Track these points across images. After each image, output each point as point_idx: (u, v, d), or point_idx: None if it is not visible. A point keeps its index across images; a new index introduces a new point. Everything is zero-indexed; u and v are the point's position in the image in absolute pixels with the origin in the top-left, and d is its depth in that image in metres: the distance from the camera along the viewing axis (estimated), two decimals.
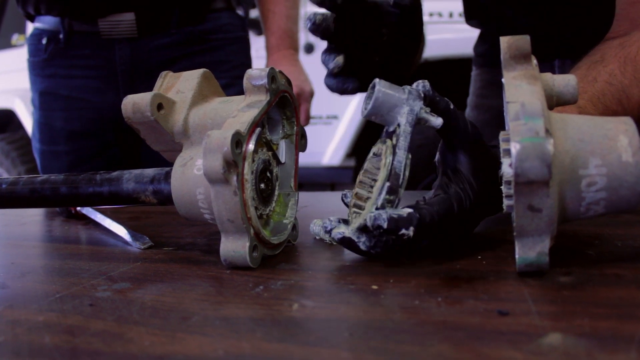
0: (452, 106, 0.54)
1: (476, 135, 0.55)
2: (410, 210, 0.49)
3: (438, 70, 2.64)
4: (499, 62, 1.19)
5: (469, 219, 0.54)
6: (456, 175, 0.54)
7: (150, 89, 0.60)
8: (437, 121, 0.52)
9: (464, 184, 0.53)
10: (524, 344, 0.34)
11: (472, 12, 1.09)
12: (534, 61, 0.50)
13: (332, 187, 3.03)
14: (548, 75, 0.51)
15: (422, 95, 0.52)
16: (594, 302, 0.40)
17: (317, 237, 0.61)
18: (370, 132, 2.81)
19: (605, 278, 0.45)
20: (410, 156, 0.52)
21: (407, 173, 0.51)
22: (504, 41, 0.50)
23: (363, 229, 0.51)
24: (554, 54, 0.94)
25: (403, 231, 0.49)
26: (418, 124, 0.52)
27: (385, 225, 0.49)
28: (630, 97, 0.64)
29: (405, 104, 0.51)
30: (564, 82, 0.50)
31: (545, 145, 0.42)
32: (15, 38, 3.72)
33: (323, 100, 1.88)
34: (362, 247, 0.51)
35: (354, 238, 0.51)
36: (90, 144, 1.21)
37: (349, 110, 2.84)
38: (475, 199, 0.53)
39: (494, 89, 1.09)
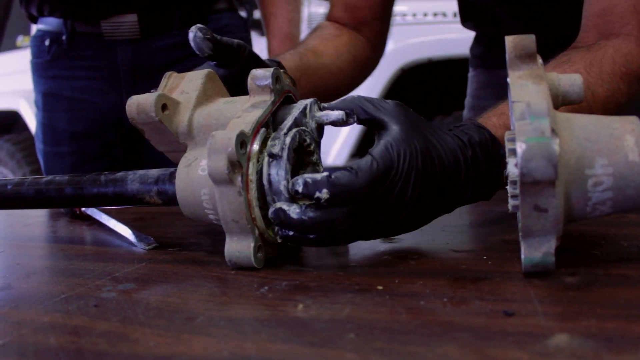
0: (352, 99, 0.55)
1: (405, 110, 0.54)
2: (326, 173, 0.49)
3: (443, 70, 2.64)
4: (494, 63, 1.20)
5: (408, 179, 0.50)
6: (387, 139, 0.52)
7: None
8: (335, 113, 0.55)
9: (392, 143, 0.51)
10: (530, 345, 0.34)
11: (467, 14, 1.09)
12: (540, 60, 0.50)
13: None
14: (554, 75, 0.50)
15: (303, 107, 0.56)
16: (601, 302, 0.40)
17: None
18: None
19: (611, 278, 0.44)
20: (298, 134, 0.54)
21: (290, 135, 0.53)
22: (509, 40, 0.50)
23: (292, 199, 0.51)
24: (549, 56, 0.95)
25: (317, 194, 0.49)
26: (321, 125, 0.57)
27: (301, 190, 0.49)
28: (595, 95, 0.65)
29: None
30: (570, 81, 0.50)
31: (551, 145, 0.42)
32: (20, 39, 3.73)
33: None
34: (294, 215, 0.50)
35: (285, 207, 0.51)
36: (93, 145, 1.21)
37: None
38: (410, 155, 0.50)
39: (490, 90, 1.09)
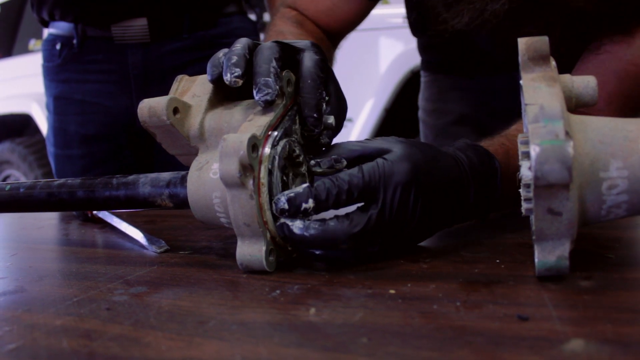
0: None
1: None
2: (306, 184, 0.51)
3: None
4: (455, 69, 1.15)
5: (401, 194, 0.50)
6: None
7: (163, 93, 0.60)
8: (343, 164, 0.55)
9: (387, 158, 0.51)
10: (545, 350, 0.34)
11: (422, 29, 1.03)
12: (553, 63, 0.50)
13: None
14: (567, 77, 0.50)
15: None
16: (616, 307, 0.39)
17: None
18: (383, 135, 2.80)
19: (626, 282, 0.44)
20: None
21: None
22: (522, 43, 0.50)
23: (294, 214, 0.51)
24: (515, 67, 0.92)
25: (303, 206, 0.50)
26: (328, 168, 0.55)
27: (286, 207, 0.50)
28: None
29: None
30: (584, 83, 0.50)
31: (565, 147, 0.41)
32: (33, 43, 3.76)
33: None
34: (296, 230, 0.50)
35: (288, 222, 0.51)
36: (103, 148, 1.22)
37: (364, 114, 2.84)
38: (407, 170, 0.50)
39: (454, 94, 1.08)
